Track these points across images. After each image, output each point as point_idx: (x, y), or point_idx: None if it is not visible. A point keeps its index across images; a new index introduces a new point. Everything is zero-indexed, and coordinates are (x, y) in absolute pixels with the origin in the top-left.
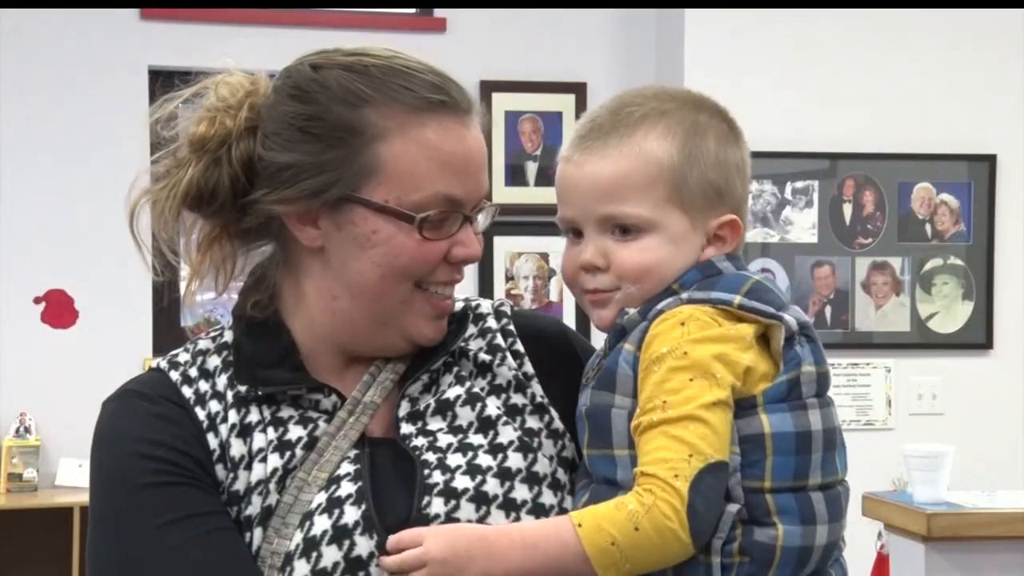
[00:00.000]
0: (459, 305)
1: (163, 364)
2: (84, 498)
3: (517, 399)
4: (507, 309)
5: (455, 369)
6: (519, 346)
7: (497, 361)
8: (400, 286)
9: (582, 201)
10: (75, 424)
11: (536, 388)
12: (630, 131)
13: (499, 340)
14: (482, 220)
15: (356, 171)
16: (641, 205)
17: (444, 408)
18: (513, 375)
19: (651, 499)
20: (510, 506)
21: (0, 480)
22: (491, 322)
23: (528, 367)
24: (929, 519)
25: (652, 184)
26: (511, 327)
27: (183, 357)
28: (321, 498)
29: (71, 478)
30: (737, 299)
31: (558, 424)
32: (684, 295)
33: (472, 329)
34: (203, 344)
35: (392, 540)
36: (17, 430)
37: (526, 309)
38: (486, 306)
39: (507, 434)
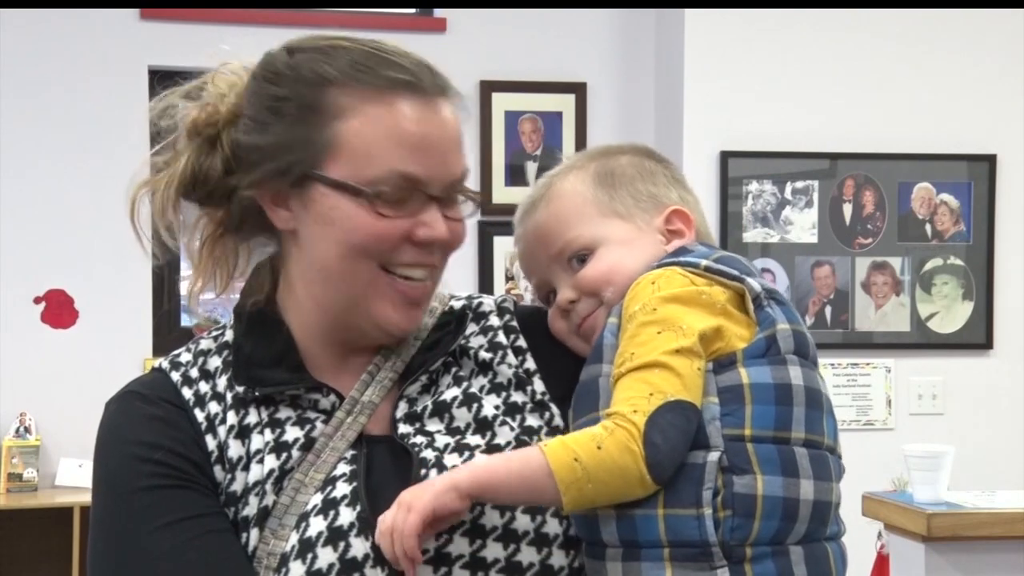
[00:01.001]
0: (459, 304)
1: (165, 364)
2: (84, 498)
3: (517, 397)
4: (510, 305)
5: (454, 369)
6: (522, 342)
7: (498, 359)
8: (361, 266)
9: (537, 257)
10: (75, 424)
11: (537, 385)
12: (548, 187)
13: (501, 337)
14: (467, 208)
15: (317, 149)
16: (580, 228)
17: (441, 410)
18: (513, 372)
19: (612, 426)
20: (506, 506)
21: (0, 480)
22: (493, 320)
23: (530, 363)
24: (929, 519)
25: (582, 209)
26: (514, 323)
27: (185, 357)
28: (317, 499)
29: (71, 478)
30: (704, 262)
31: (559, 421)
32: (654, 263)
33: (473, 327)
34: (205, 344)
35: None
36: (17, 430)
37: (531, 304)
38: (488, 303)
39: (504, 435)
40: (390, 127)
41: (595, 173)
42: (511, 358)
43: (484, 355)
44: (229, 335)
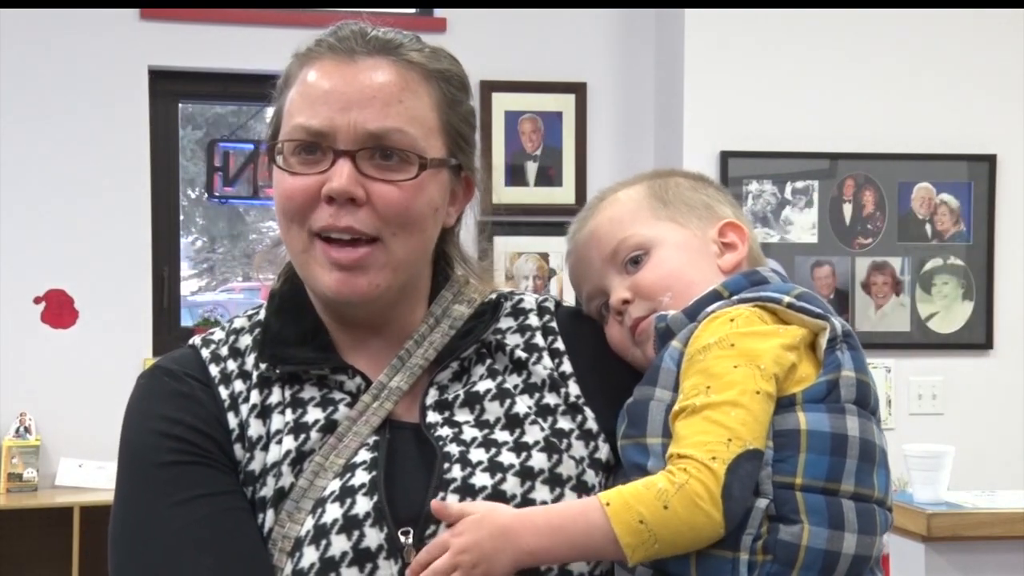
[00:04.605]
0: (494, 295)
1: (197, 341)
2: (84, 498)
3: (551, 399)
4: (551, 305)
5: (488, 361)
6: (559, 344)
7: (533, 359)
8: (291, 232)
9: (591, 260)
10: (75, 424)
11: (572, 388)
12: (601, 199)
13: (538, 338)
14: (408, 170)
15: (275, 122)
16: (635, 228)
17: (473, 401)
18: (548, 374)
19: (684, 478)
20: (528, 507)
21: (0, 480)
22: (532, 319)
23: (567, 366)
24: (929, 519)
25: (636, 212)
26: (553, 324)
27: (218, 335)
28: (335, 485)
29: (71, 478)
30: (787, 299)
31: (592, 424)
32: (735, 298)
33: (511, 323)
34: (239, 322)
35: (440, 505)
36: (17, 430)
37: (572, 305)
38: (529, 301)
39: (533, 434)
40: (303, 87)
41: (648, 186)
42: (547, 360)
43: (520, 354)
44: (263, 314)
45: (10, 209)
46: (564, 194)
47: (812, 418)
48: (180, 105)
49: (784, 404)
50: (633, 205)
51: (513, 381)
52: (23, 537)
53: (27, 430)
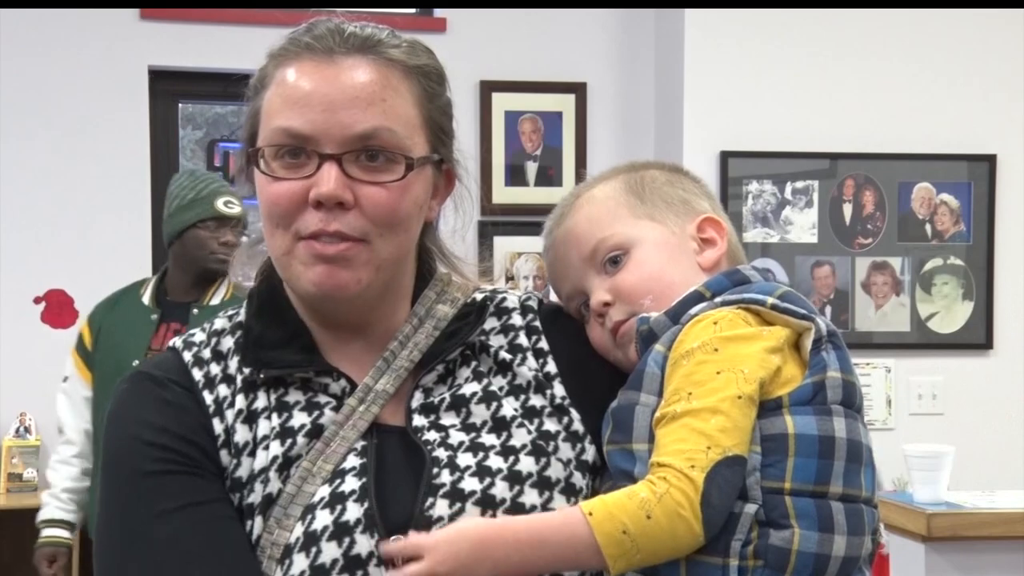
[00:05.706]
0: (479, 296)
1: (178, 343)
2: None
3: (536, 400)
4: (534, 303)
5: (473, 364)
6: (544, 344)
7: (518, 361)
8: (276, 236)
9: (569, 261)
10: None
11: (558, 389)
12: (578, 196)
13: (522, 338)
14: (395, 171)
15: (251, 125)
16: (614, 227)
17: (459, 404)
18: (533, 375)
19: (664, 487)
20: (518, 510)
21: (0, 480)
22: (516, 318)
23: (551, 366)
24: (929, 519)
25: (614, 210)
26: (537, 323)
27: (199, 337)
28: (324, 492)
29: None
30: (770, 300)
31: (578, 426)
32: (718, 299)
33: (495, 323)
34: (219, 324)
35: (389, 546)
36: (17, 430)
37: (556, 302)
38: (512, 300)
39: (521, 437)
40: (283, 88)
41: (625, 181)
42: (531, 361)
43: (504, 355)
44: (243, 315)
45: (10, 209)
46: (564, 194)
47: (799, 421)
48: (180, 105)
49: (771, 408)
50: (611, 203)
51: (498, 383)
52: (23, 537)
53: (27, 430)
